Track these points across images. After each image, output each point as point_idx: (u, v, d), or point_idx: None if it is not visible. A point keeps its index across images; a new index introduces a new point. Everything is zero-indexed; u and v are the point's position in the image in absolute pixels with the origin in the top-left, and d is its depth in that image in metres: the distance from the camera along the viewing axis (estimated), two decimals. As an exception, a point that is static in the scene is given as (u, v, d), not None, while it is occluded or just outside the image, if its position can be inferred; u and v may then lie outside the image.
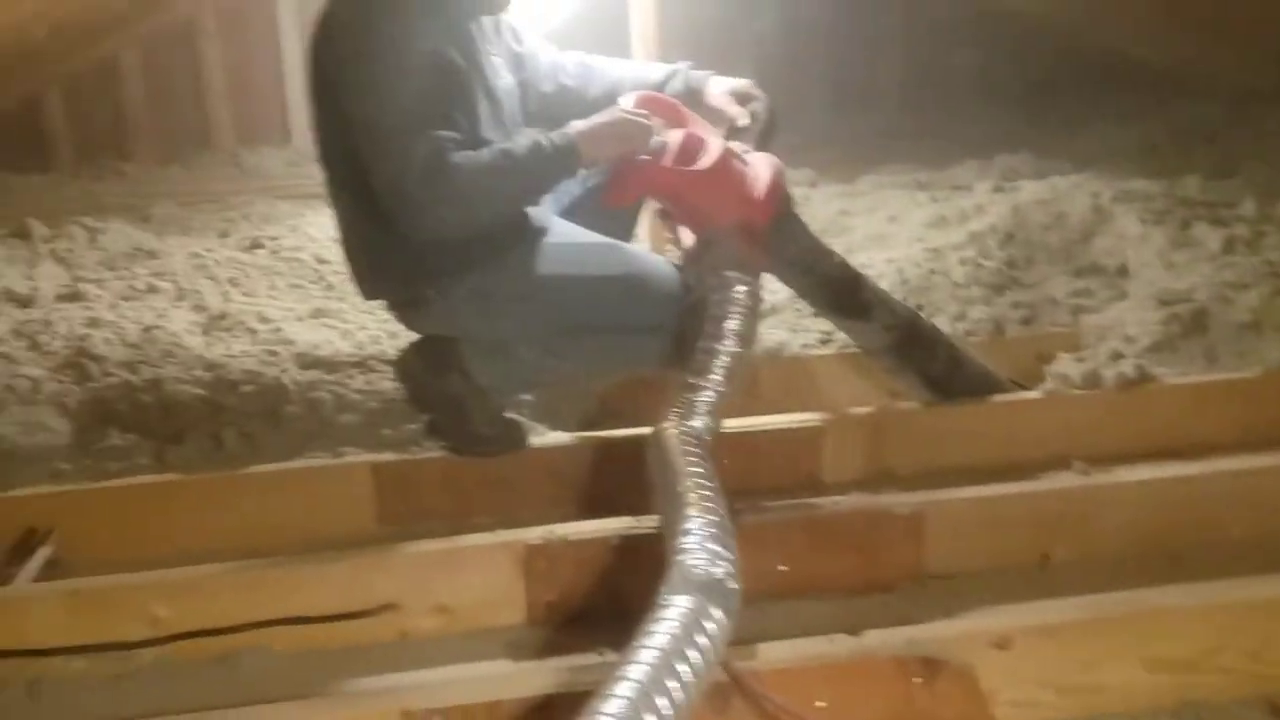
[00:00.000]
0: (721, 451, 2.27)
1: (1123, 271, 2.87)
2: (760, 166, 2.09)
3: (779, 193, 2.09)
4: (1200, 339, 2.46)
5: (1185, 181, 3.25)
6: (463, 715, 1.52)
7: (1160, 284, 2.64)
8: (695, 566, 1.33)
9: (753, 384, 2.68)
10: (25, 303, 3.14)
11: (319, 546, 2.16)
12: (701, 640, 1.24)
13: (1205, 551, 2.02)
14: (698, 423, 1.74)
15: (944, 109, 5.10)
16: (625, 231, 2.43)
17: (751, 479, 2.29)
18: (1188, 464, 2.13)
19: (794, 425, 2.39)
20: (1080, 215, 3.02)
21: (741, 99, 2.34)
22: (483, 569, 1.96)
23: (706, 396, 1.79)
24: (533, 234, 2.17)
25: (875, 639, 1.61)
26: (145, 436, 2.32)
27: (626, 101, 2.12)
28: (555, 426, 2.45)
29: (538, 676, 1.62)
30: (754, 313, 1.95)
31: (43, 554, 2.10)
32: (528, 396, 2.48)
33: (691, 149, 2.04)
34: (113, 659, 1.86)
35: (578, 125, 2.05)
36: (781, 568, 2.02)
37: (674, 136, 2.08)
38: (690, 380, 1.84)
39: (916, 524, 2.03)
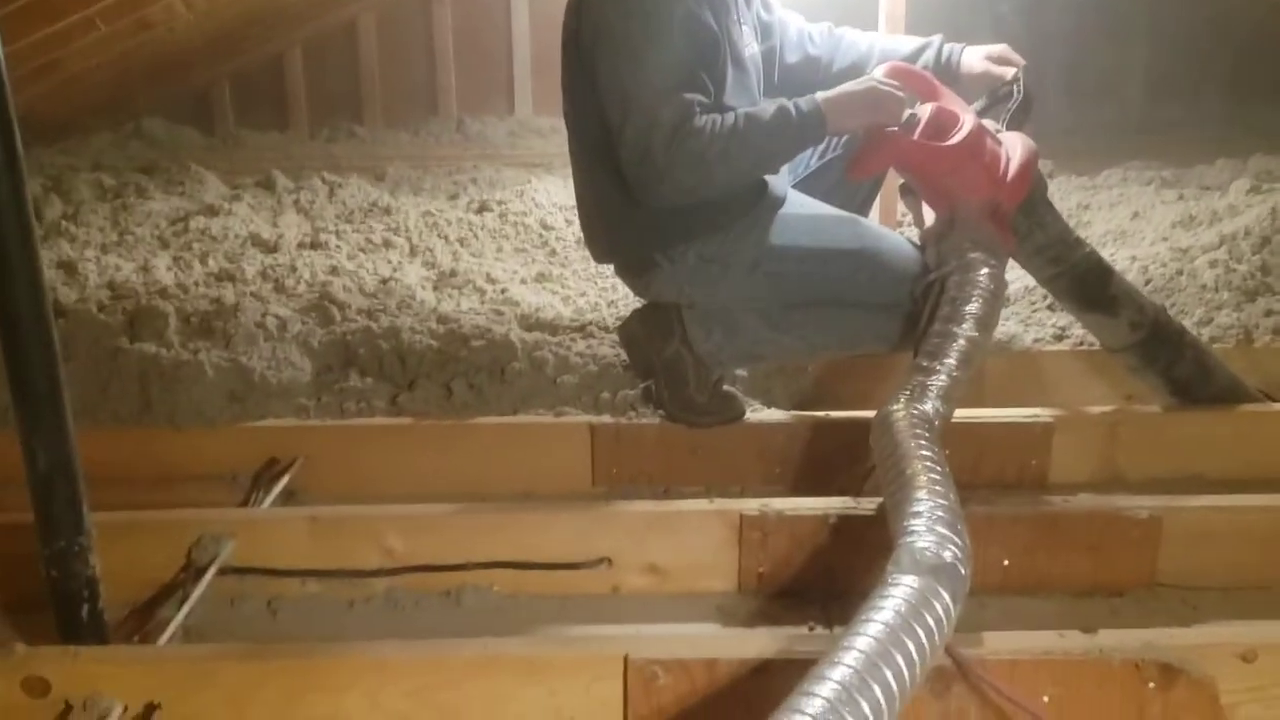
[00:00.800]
0: (946, 440, 2.27)
1: (1395, 283, 2.64)
2: (1014, 146, 2.01)
3: (1031, 175, 2.01)
4: None
5: None
6: (681, 669, 1.53)
7: None
8: (925, 549, 1.31)
9: (979, 375, 2.62)
10: (271, 248, 3.35)
11: (535, 499, 2.24)
12: (929, 620, 1.21)
13: None
14: (928, 406, 1.70)
15: (1193, 104, 4.80)
16: (860, 208, 2.40)
17: (975, 472, 2.24)
18: None
19: (1024, 420, 2.31)
20: (1349, 220, 2.79)
21: (999, 62, 2.26)
22: (697, 534, 1.98)
23: (939, 380, 1.75)
24: (769, 203, 2.16)
25: (1110, 639, 1.53)
26: (381, 380, 2.44)
27: (878, 72, 2.09)
28: (768, 404, 2.45)
29: (754, 641, 1.62)
30: (997, 298, 1.88)
31: (283, 483, 2.24)
32: (743, 371, 2.48)
33: (943, 123, 1.98)
34: (346, 584, 1.97)
35: (825, 94, 2.03)
36: (1005, 562, 1.96)
37: (925, 110, 2.03)
38: (923, 363, 1.79)
39: (1154, 529, 1.94)
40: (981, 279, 1.87)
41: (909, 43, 2.38)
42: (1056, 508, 1.97)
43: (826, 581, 1.94)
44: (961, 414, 2.32)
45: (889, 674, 1.18)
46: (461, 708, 1.53)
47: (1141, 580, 1.95)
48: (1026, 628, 1.68)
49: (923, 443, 1.62)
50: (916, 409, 1.72)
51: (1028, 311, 2.69)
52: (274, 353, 2.47)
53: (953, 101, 2.05)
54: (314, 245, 3.35)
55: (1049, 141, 4.23)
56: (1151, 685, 1.50)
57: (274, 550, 1.99)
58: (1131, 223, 3.20)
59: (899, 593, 1.29)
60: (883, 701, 1.14)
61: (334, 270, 3.05)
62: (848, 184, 2.34)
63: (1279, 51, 4.93)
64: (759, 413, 2.36)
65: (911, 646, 1.22)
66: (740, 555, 1.98)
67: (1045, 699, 1.50)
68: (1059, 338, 2.63)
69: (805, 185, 2.33)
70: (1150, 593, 1.94)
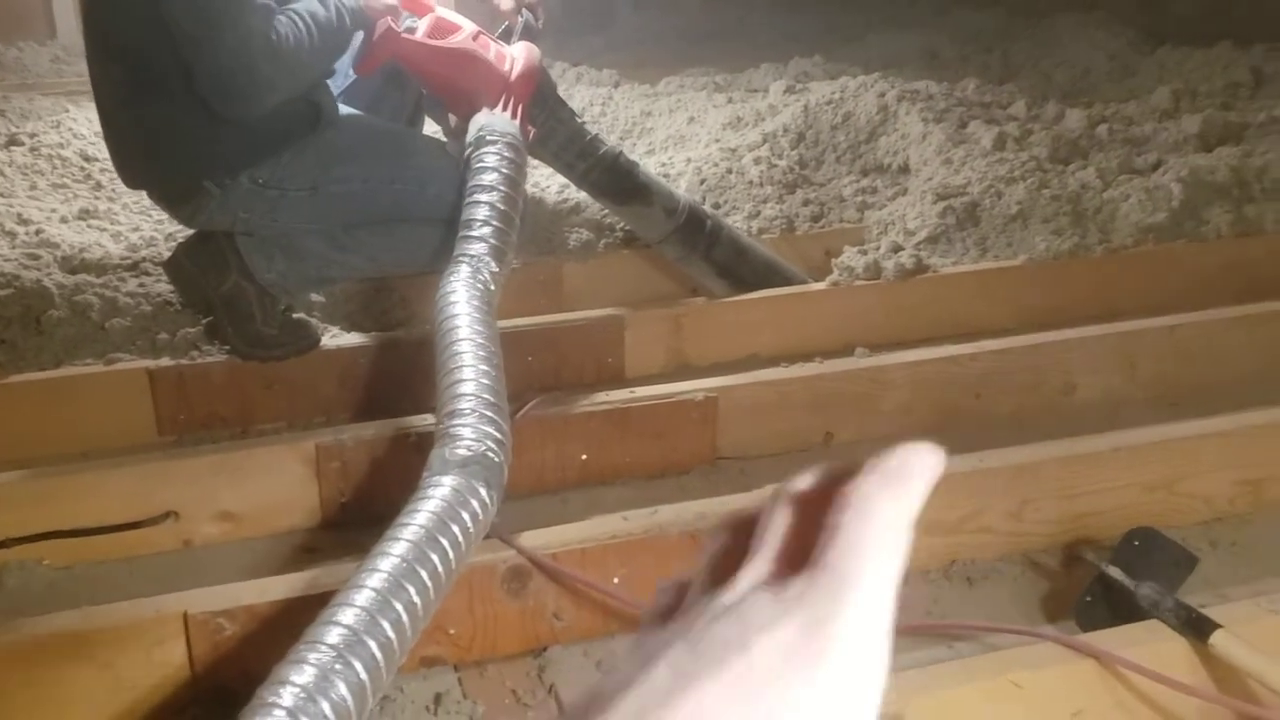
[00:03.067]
0: (526, 349, 2.32)
1: (905, 169, 2.99)
2: (517, 50, 2.15)
3: (536, 74, 2.14)
4: (973, 230, 2.60)
5: (964, 84, 3.39)
6: (249, 616, 1.47)
7: (938, 179, 2.76)
8: (458, 447, 1.35)
9: (556, 282, 2.69)
10: None
11: (94, 458, 2.05)
12: (466, 516, 1.25)
13: (974, 425, 2.16)
14: (483, 274, 1.72)
15: (745, 14, 5.14)
16: (411, 122, 2.39)
17: (558, 374, 2.32)
18: (959, 345, 2.25)
19: (595, 319, 2.40)
20: (867, 115, 3.11)
21: (521, 4, 2.35)
22: (270, 472, 1.90)
23: (485, 245, 1.78)
24: (323, 121, 2.08)
25: (667, 514, 1.64)
26: (-113, 347, 2.12)
27: None
28: (352, 328, 2.38)
29: (330, 575, 1.58)
30: (518, 161, 1.97)
31: None
32: (319, 297, 2.39)
33: (445, 28, 2.09)
34: None
35: None
36: (583, 457, 2.05)
37: (426, 19, 2.12)
38: (466, 233, 1.82)
39: (710, 409, 2.09)
40: (500, 149, 1.96)
41: None
42: (625, 400, 2.06)
43: (412, 501, 1.93)
44: (542, 319, 2.41)
45: (425, 574, 1.21)
46: (2, 704, 1.39)
47: (704, 457, 2.10)
48: (607, 513, 1.76)
49: (476, 322, 1.63)
50: (474, 282, 1.73)
51: (599, 218, 2.78)
52: None
53: (453, 16, 2.14)
54: None
55: (615, 54, 4.45)
56: (707, 551, 1.63)
57: None
58: (688, 127, 3.39)
59: (435, 493, 1.32)
60: (418, 601, 1.17)
61: None
62: (393, 97, 2.33)
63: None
64: (337, 338, 2.29)
65: (447, 544, 1.26)
66: (320, 488, 1.93)
67: (615, 580, 1.59)
68: (628, 242, 2.75)
69: (350, 100, 2.27)
70: (713, 467, 2.10)
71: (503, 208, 1.88)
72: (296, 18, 1.93)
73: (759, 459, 2.12)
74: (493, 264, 1.76)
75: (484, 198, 1.88)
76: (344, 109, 2.18)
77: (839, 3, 5.22)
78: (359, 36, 2.15)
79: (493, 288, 1.72)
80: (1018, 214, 2.59)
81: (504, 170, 1.95)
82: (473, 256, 1.76)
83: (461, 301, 1.63)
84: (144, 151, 2.07)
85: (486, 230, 1.82)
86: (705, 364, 2.42)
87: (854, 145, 3.10)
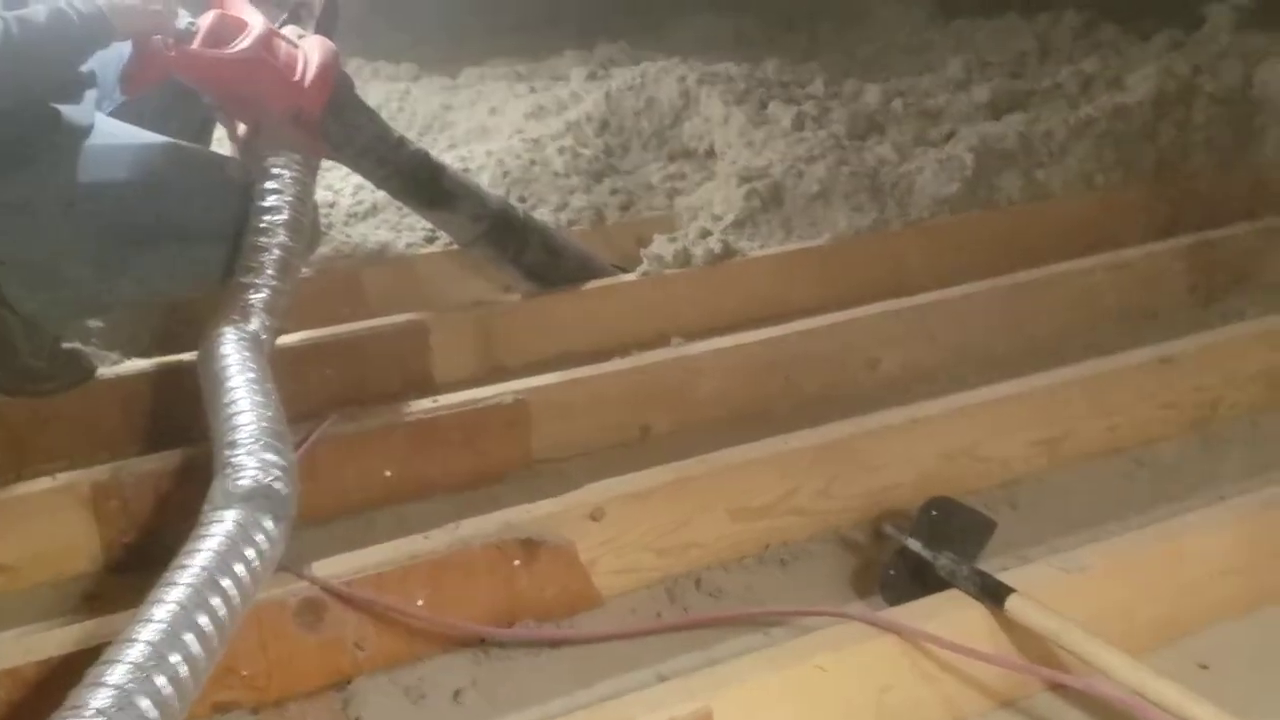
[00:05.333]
0: (325, 362, 2.21)
1: (710, 152, 2.99)
2: (312, 50, 1.95)
3: (331, 77, 1.97)
4: (777, 211, 2.61)
5: (764, 64, 3.42)
6: (12, 678, 1.35)
7: (741, 162, 2.77)
8: (240, 478, 1.26)
9: (356, 288, 2.59)
10: None
11: None
12: (249, 553, 1.17)
13: (787, 407, 2.17)
14: (254, 324, 1.62)
15: (547, 3, 5.08)
16: (199, 135, 2.22)
17: (360, 387, 2.22)
18: (768, 329, 2.25)
19: (398, 325, 2.31)
20: (669, 99, 3.10)
21: None
22: (43, 517, 1.76)
23: (261, 295, 1.68)
24: (70, 135, 1.91)
25: (470, 528, 1.58)
26: None
27: None
28: (133, 353, 2.23)
29: (107, 627, 1.46)
30: (304, 202, 1.84)
31: None
32: (96, 323, 2.23)
33: (227, 30, 1.87)
34: None
35: None
36: (387, 473, 1.97)
37: (207, 17, 1.90)
38: (243, 280, 1.71)
39: (522, 412, 2.03)
40: (287, 185, 1.82)
41: None
42: (430, 410, 1.99)
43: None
44: (341, 329, 2.30)
45: (205, 619, 1.14)
46: None
47: (519, 462, 2.04)
48: (416, 532, 1.68)
49: (248, 363, 1.56)
50: (243, 329, 1.64)
51: (397, 218, 2.70)
52: None
53: (241, 9, 1.94)
54: None
55: (416, 47, 4.33)
56: (516, 562, 1.57)
57: None
58: (490, 118, 3.32)
59: (217, 530, 1.24)
60: (198, 647, 1.09)
61: None
62: (181, 111, 2.16)
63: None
64: (117, 366, 2.14)
65: (230, 584, 1.18)
66: (100, 529, 1.79)
67: (420, 602, 1.52)
68: (430, 240, 2.67)
69: (129, 115, 2.10)
70: (529, 472, 2.05)
71: (279, 253, 1.75)
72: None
73: (576, 458, 2.07)
74: (265, 318, 1.66)
75: (262, 240, 1.76)
76: (104, 119, 2.02)
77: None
78: (124, 49, 1.98)
79: (264, 337, 1.63)
80: (819, 193, 2.62)
81: (288, 196, 1.82)
82: (245, 306, 1.66)
83: (232, 354, 1.54)
84: None
85: (261, 279, 1.71)
86: (518, 365, 2.36)
87: (659, 131, 3.09)
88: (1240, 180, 2.90)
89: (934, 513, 1.55)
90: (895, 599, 1.49)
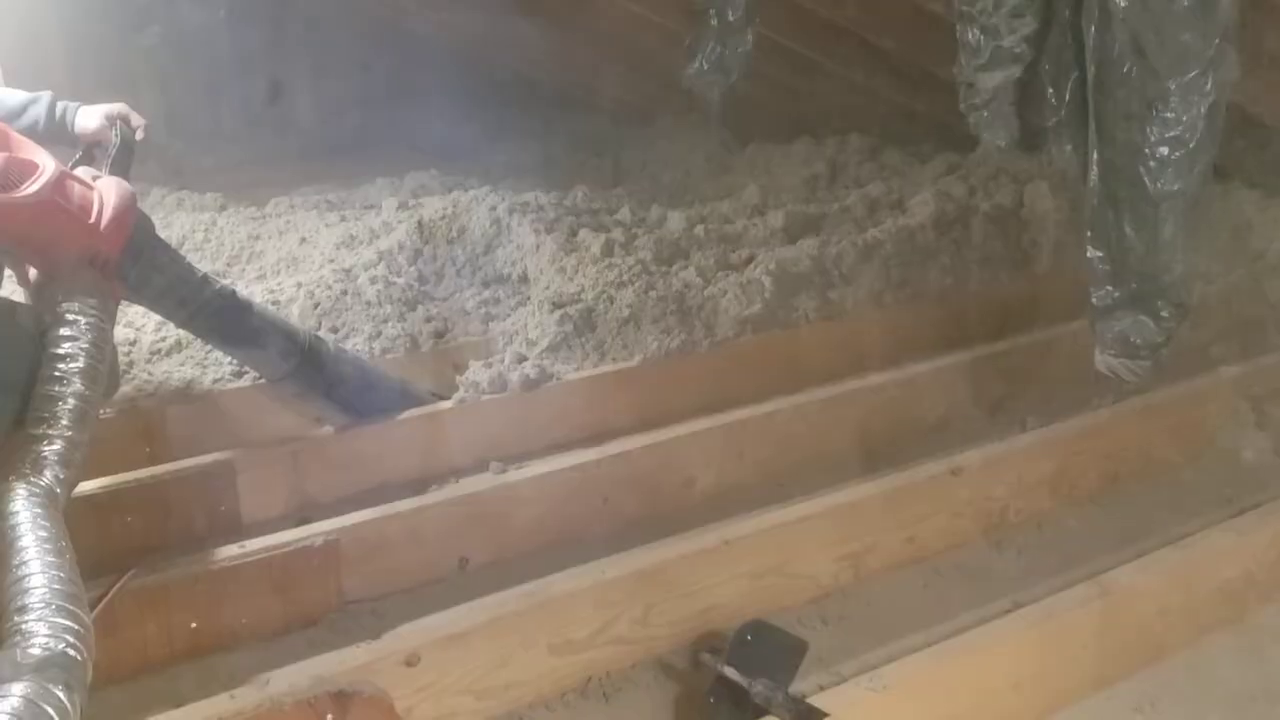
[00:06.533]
0: (126, 509, 2.11)
1: (524, 278, 3.04)
2: (109, 191, 1.90)
3: (130, 219, 1.93)
4: (590, 335, 2.67)
5: (573, 192, 3.52)
6: None
7: (554, 288, 2.83)
8: (30, 646, 1.20)
9: (160, 427, 2.48)
10: None
11: None
12: None
13: (605, 530, 2.19)
14: (46, 477, 1.54)
15: (361, 125, 5.12)
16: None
17: (164, 532, 2.13)
18: (584, 451, 2.29)
19: (203, 466, 2.23)
20: (481, 228, 3.15)
21: (119, 120, 2.20)
22: None
23: (55, 447, 1.60)
24: None
25: (280, 682, 1.53)
26: None
27: None
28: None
29: None
30: (101, 349, 1.77)
31: None
32: None
33: (17, 174, 1.80)
34: None
35: None
36: (193, 625, 1.88)
37: None
38: (34, 431, 1.63)
39: (332, 552, 1.99)
40: (83, 331, 1.75)
41: (13, 97, 2.21)
42: (236, 556, 1.92)
43: None
44: (141, 473, 2.20)
45: None
46: None
47: (331, 604, 1.99)
48: (225, 688, 1.61)
49: (40, 520, 1.48)
50: (35, 483, 1.56)
51: (203, 354, 2.62)
52: None
53: (32, 151, 1.88)
54: None
55: (222, 175, 4.28)
56: (329, 718, 1.52)
57: None
58: (300, 248, 3.28)
59: (4, 706, 1.16)
60: None
61: None
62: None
63: (436, 74, 5.42)
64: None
65: None
66: None
67: (227, 767, 1.45)
68: (238, 374, 2.60)
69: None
70: (343, 613, 1.99)
71: (74, 403, 1.68)
72: None
73: (391, 596, 2.03)
74: (59, 470, 1.58)
75: (56, 389, 1.68)
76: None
77: (457, 113, 5.31)
78: None
79: (58, 491, 1.55)
80: (630, 316, 2.69)
81: (83, 344, 1.74)
82: (37, 459, 1.58)
83: (21, 511, 1.46)
84: None
85: (55, 430, 1.63)
86: (331, 500, 2.30)
87: (472, 258, 3.12)
88: (1016, 294, 3.15)
89: (748, 638, 1.59)
90: (716, 729, 1.51)
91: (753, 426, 2.40)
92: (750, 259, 3.02)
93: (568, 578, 1.78)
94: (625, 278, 2.83)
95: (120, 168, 2.07)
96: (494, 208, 3.21)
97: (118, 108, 2.26)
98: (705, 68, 3.07)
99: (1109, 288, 1.97)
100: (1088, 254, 1.98)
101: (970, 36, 2.06)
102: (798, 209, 3.38)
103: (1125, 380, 2.07)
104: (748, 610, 1.75)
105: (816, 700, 1.43)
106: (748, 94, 3.56)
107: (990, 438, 2.35)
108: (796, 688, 1.56)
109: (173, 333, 2.63)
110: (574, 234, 3.12)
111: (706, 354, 2.68)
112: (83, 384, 1.68)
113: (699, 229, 3.21)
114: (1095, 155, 1.87)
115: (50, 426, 1.62)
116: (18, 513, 1.48)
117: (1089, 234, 1.98)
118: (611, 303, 2.74)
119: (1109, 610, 1.68)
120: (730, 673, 1.53)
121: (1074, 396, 2.44)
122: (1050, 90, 1.98)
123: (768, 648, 1.59)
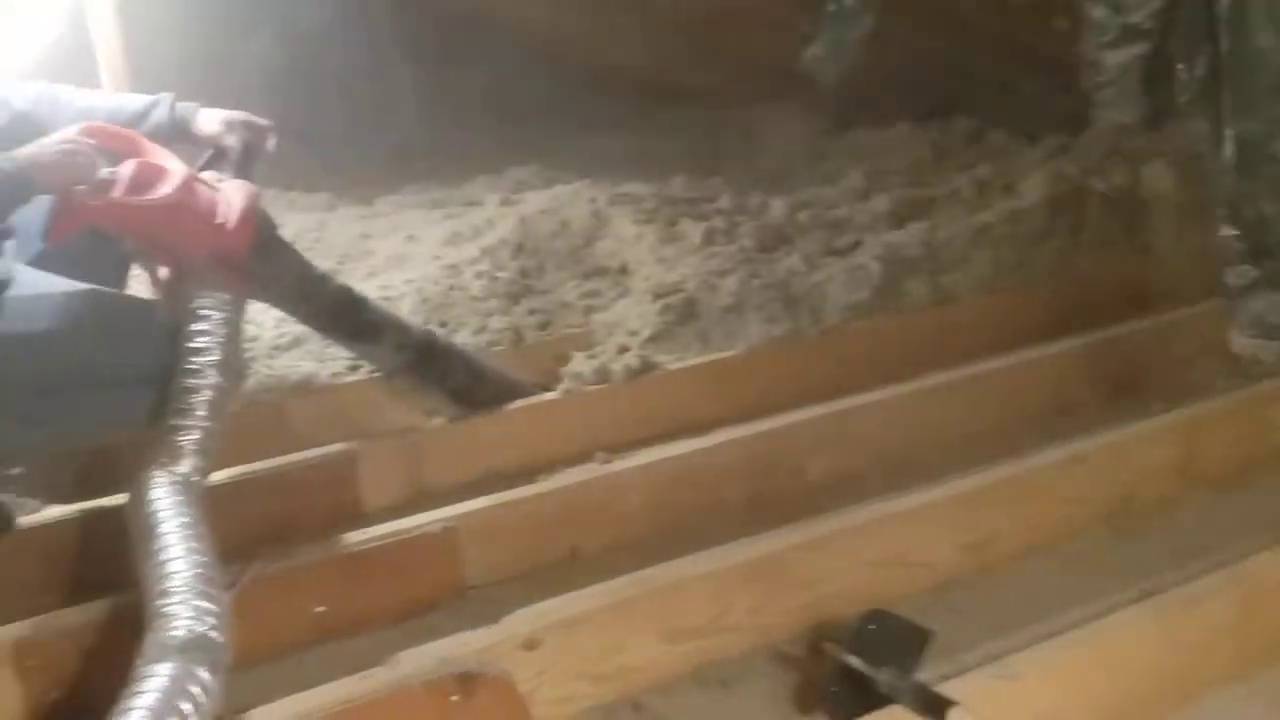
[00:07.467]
0: (252, 499, 2.18)
1: (624, 270, 3.05)
2: (233, 194, 1.98)
3: (254, 219, 2.00)
4: (693, 325, 2.67)
5: (672, 182, 3.52)
6: None
7: (655, 278, 2.83)
8: (173, 629, 1.25)
9: (281, 420, 2.56)
10: None
11: None
12: (186, 706, 1.15)
13: (715, 519, 2.18)
14: (185, 466, 1.61)
15: (457, 127, 5.18)
16: (117, 279, 2.20)
17: (291, 521, 2.19)
18: (691, 441, 2.29)
19: (326, 456, 2.30)
20: (581, 221, 3.17)
21: (235, 128, 2.24)
22: (-40, 680, 1.68)
23: (192, 437, 1.67)
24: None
25: (407, 664, 1.56)
26: None
27: (71, 131, 1.92)
28: (54, 499, 2.17)
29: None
30: (234, 342, 1.85)
31: None
32: (17, 470, 2.17)
33: (147, 179, 1.88)
34: None
35: (24, 150, 1.83)
36: (319, 609, 1.93)
37: (127, 167, 1.91)
38: (173, 421, 1.70)
39: (450, 538, 2.02)
40: (216, 326, 1.83)
41: (137, 100, 2.26)
42: (360, 543, 1.97)
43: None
44: (267, 464, 2.28)
45: None
46: None
47: (451, 590, 2.02)
48: (351, 670, 1.65)
49: (181, 507, 1.54)
50: (174, 472, 1.63)
51: (321, 348, 2.69)
52: None
53: (162, 156, 1.96)
54: None
55: (328, 177, 4.37)
56: (455, 698, 1.55)
57: None
58: (408, 245, 3.35)
59: (150, 685, 1.22)
60: None
61: None
62: (97, 256, 2.14)
63: (525, 74, 5.48)
64: (38, 513, 2.09)
65: None
66: (23, 689, 1.72)
67: (359, 745, 1.48)
68: (354, 368, 2.66)
69: (46, 263, 2.08)
70: (461, 599, 2.03)
71: (210, 394, 1.75)
72: None
73: (508, 582, 2.06)
74: (197, 460, 1.65)
75: (192, 381, 1.75)
76: (23, 270, 2.00)
77: (554, 109, 5.35)
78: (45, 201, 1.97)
79: (195, 479, 1.62)
80: (733, 305, 2.69)
81: (217, 337, 1.81)
82: (176, 449, 1.65)
83: (163, 499, 1.53)
84: None
85: (192, 420, 1.70)
86: (446, 488, 2.35)
87: (573, 251, 3.15)
88: (1135, 276, 3.05)
89: (871, 627, 1.57)
90: (841, 717, 1.50)
91: (863, 415, 2.38)
92: (856, 244, 2.98)
93: (682, 565, 1.78)
94: (727, 266, 2.82)
95: (244, 171, 2.13)
96: (593, 200, 3.23)
97: (237, 114, 2.29)
98: (822, 52, 3.05)
99: (1245, 266, 1.90)
100: (1221, 232, 1.91)
101: (1097, 13, 2.00)
102: (904, 193, 3.33)
103: (1263, 361, 1.99)
104: (865, 599, 1.73)
105: (943, 689, 1.41)
106: (851, 78, 3.52)
107: (1112, 423, 2.28)
108: (920, 677, 1.54)
109: (291, 329, 2.70)
110: (674, 223, 3.13)
111: (813, 342, 2.66)
112: (218, 376, 1.74)
113: (802, 215, 3.18)
114: (1229, 131, 1.81)
115: (187, 417, 1.68)
116: (159, 500, 1.55)
117: (1223, 212, 1.91)
118: (714, 291, 2.74)
119: (1247, 599, 1.62)
120: (854, 661, 1.51)
121: (1200, 380, 2.36)
122: (1181, 66, 1.91)
123: (891, 636, 1.57)
